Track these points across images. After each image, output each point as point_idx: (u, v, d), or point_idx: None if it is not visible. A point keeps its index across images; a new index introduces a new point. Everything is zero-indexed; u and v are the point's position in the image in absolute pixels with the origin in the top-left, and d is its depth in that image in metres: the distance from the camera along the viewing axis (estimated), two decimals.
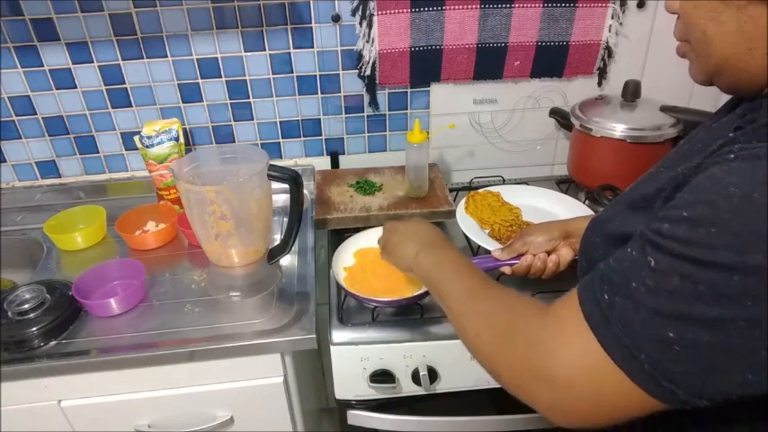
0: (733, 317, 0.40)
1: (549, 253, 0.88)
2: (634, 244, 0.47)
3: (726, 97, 0.61)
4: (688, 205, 0.44)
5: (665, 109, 1.18)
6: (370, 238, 1.06)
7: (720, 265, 0.40)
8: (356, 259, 1.05)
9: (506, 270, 0.91)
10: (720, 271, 0.40)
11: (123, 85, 1.22)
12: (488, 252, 0.94)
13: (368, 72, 1.24)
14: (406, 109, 1.32)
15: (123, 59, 1.19)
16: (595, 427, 0.48)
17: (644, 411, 0.45)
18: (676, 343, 0.42)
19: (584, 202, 1.19)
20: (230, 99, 1.27)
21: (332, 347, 0.94)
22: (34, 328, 0.89)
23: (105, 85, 1.22)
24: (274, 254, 1.01)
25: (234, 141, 1.32)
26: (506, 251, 0.90)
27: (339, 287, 1.00)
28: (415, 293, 0.93)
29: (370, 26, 1.18)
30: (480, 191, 1.21)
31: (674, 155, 0.60)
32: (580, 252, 0.67)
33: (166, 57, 1.20)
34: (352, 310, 0.99)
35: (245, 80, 1.24)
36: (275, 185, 0.94)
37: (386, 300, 0.93)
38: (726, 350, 0.41)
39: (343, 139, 1.35)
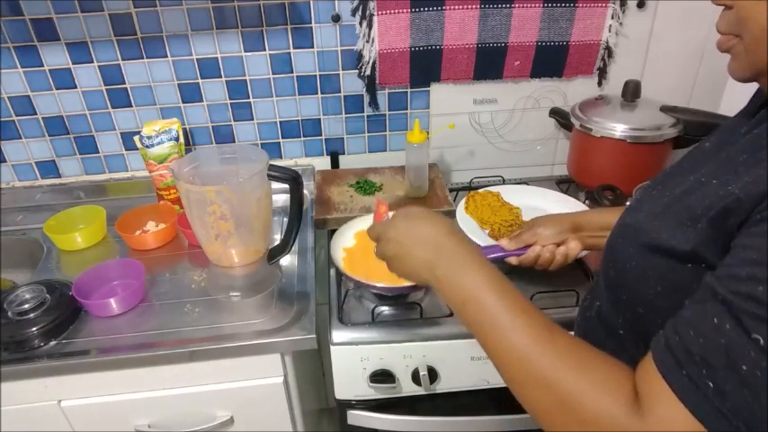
0: None
1: (557, 245, 0.87)
2: (718, 311, 0.41)
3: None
4: None
5: (665, 109, 1.18)
6: (371, 221, 1.04)
7: None
8: (357, 240, 1.03)
9: (513, 260, 0.89)
10: None
11: (123, 85, 1.22)
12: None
13: (368, 72, 1.24)
14: (406, 109, 1.32)
15: (123, 59, 1.19)
16: None
17: None
18: None
19: (584, 202, 1.19)
20: (230, 99, 1.27)
21: (332, 347, 0.94)
22: (34, 328, 0.89)
23: (105, 85, 1.22)
24: (274, 254, 1.01)
25: (234, 141, 1.32)
26: (514, 241, 0.88)
27: (337, 272, 0.98)
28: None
29: (370, 26, 1.18)
30: (480, 191, 1.21)
31: (713, 161, 0.54)
32: (606, 259, 0.63)
33: (166, 57, 1.20)
34: (352, 310, 0.99)
35: (245, 80, 1.24)
36: (275, 185, 0.94)
37: (386, 286, 0.90)
38: None
39: (343, 139, 1.35)
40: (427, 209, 0.67)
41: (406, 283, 0.90)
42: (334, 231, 1.17)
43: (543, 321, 0.51)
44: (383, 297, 1.01)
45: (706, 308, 0.42)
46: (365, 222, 1.06)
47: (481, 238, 1.07)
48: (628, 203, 0.92)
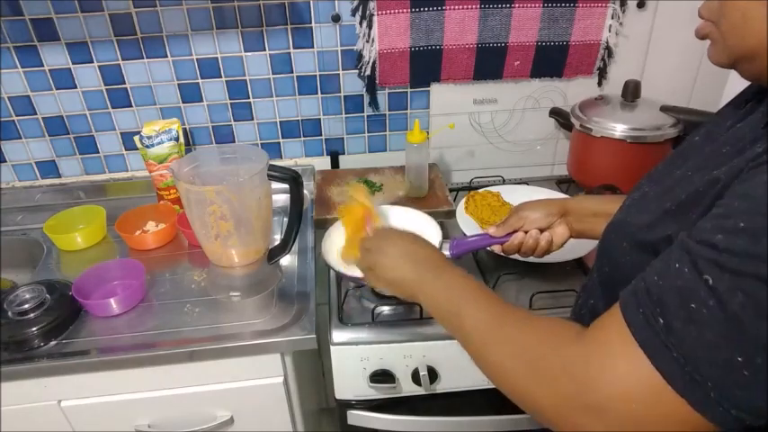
0: None
1: (542, 230, 0.85)
2: (680, 257, 0.43)
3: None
4: (743, 215, 0.40)
5: (665, 109, 1.18)
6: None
7: None
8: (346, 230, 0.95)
9: (496, 248, 0.88)
10: None
11: (123, 85, 1.22)
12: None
13: (368, 72, 1.24)
14: (406, 109, 1.32)
15: (123, 59, 1.19)
16: None
17: None
18: (745, 367, 0.39)
19: None
20: (230, 99, 1.27)
21: (332, 347, 0.94)
22: (34, 328, 0.89)
23: (105, 85, 1.22)
24: (274, 254, 1.01)
25: (234, 141, 1.32)
26: (501, 228, 0.87)
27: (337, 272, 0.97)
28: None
29: (370, 26, 1.18)
30: (480, 191, 1.21)
31: (698, 155, 0.56)
32: (601, 255, 0.63)
33: (166, 57, 1.20)
34: (353, 310, 0.99)
35: (245, 80, 1.24)
36: (275, 185, 0.94)
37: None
38: None
39: (343, 139, 1.35)
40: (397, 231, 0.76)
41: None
42: None
43: (495, 303, 0.60)
44: (383, 296, 1.01)
45: (672, 256, 0.45)
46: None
47: None
48: None
